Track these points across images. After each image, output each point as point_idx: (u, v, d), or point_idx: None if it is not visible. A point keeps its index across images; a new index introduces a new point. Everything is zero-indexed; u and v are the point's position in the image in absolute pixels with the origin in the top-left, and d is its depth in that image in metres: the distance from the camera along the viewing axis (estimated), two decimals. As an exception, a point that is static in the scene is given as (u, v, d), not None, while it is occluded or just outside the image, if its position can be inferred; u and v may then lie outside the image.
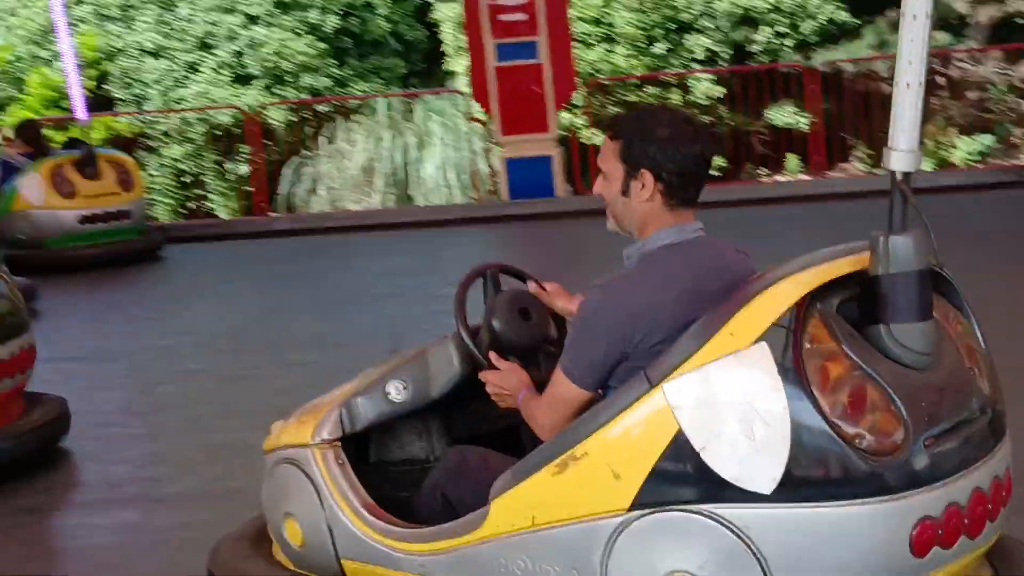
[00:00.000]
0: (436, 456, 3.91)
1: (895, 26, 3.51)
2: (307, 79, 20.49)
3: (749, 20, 19.80)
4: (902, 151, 3.06)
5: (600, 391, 3.27)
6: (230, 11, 20.68)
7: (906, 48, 3.04)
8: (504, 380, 3.53)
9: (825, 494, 2.94)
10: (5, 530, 5.38)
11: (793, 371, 2.97)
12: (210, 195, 19.68)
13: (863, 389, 3.00)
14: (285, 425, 3.96)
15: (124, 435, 6.75)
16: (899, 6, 3.03)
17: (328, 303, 9.99)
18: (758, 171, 18.93)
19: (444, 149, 17.20)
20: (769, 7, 19.57)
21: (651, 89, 18.87)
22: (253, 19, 20.65)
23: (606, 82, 18.54)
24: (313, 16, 20.76)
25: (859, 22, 19.89)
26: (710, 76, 19.11)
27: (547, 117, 14.63)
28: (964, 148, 18.33)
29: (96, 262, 12.21)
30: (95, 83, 20.30)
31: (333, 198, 16.85)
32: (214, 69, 20.47)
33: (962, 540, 3.08)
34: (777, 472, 2.93)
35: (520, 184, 14.30)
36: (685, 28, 19.83)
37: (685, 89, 19.09)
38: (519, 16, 14.53)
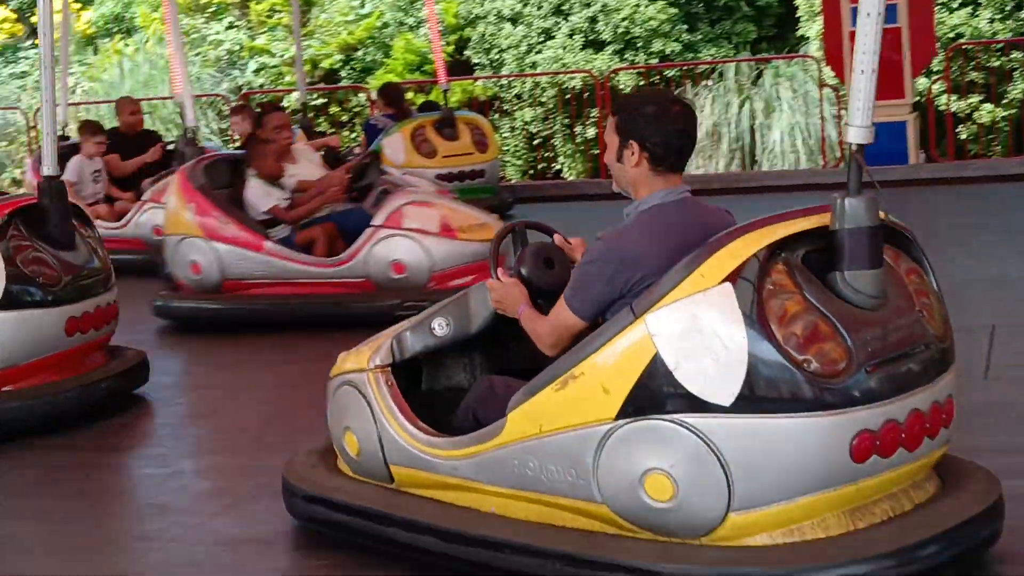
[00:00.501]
0: None
1: None
2: (657, 44, 20.18)
3: None
4: (857, 127, 3.70)
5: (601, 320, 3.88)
6: (587, -24, 20.58)
7: (860, 41, 3.65)
8: (505, 292, 4.19)
9: (777, 407, 3.52)
10: (70, 472, 5.88)
11: (754, 306, 3.56)
12: (559, 157, 19.85)
13: (814, 323, 3.59)
14: (347, 354, 4.63)
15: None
16: None
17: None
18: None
19: (792, 115, 17.50)
20: None
21: (1017, 54, 17.76)
22: (608, -16, 20.49)
23: (968, 47, 17.35)
24: (666, -19, 20.46)
25: None
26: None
27: (903, 83, 14.07)
28: None
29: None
30: (454, 48, 20.91)
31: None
32: (567, 35, 20.44)
33: (900, 451, 3.65)
34: (735, 388, 3.52)
35: (872, 150, 14.01)
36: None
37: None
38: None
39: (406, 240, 8.37)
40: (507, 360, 4.59)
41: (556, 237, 4.40)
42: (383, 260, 8.38)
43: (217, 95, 20.68)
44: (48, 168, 6.69)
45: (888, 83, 13.10)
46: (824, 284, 3.70)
